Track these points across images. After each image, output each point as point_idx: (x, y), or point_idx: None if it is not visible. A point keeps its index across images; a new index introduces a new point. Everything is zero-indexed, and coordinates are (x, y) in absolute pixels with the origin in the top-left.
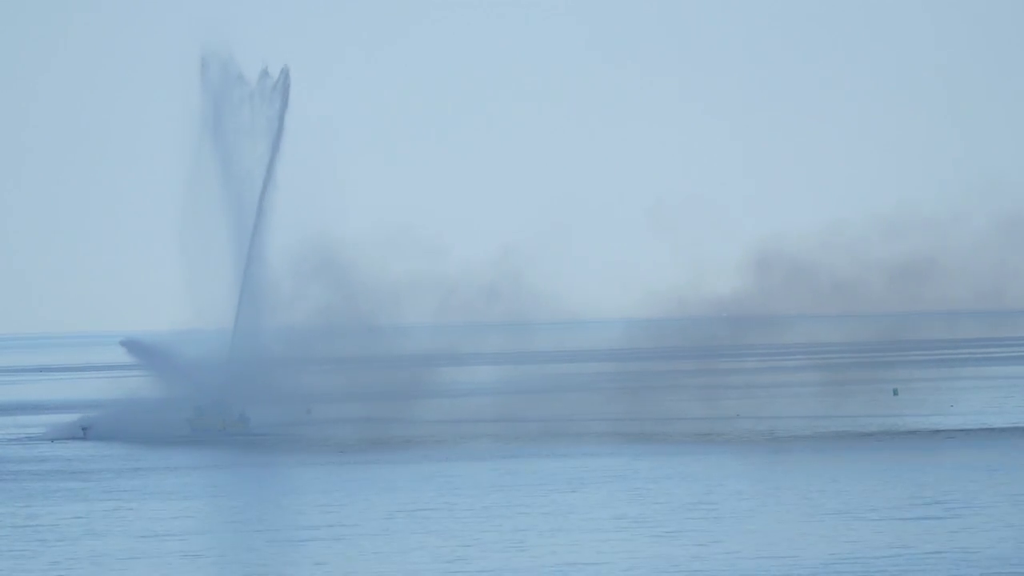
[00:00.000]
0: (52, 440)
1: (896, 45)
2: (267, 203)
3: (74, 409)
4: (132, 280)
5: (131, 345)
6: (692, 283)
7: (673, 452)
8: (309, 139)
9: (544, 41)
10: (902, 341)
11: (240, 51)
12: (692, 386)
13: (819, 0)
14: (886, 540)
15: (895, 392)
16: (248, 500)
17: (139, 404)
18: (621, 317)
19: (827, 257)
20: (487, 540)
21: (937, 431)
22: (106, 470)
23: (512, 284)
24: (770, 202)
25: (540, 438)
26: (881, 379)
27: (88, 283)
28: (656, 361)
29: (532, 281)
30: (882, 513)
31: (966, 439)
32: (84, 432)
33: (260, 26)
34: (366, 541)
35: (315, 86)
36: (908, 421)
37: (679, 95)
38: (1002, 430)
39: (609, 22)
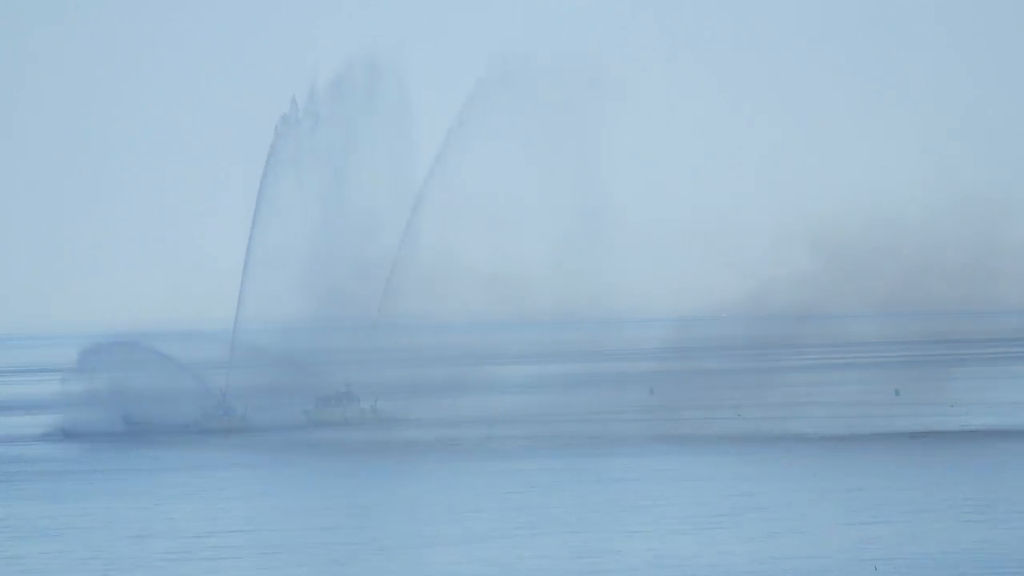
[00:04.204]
0: (57, 441)
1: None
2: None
3: (54, 409)
4: (124, 279)
5: (103, 348)
6: (746, 285)
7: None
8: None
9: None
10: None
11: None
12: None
13: None
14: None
15: (896, 392)
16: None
17: (133, 404)
18: (666, 316)
19: (884, 251)
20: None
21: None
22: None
23: (559, 281)
24: (823, 192)
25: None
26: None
27: (81, 282)
28: (697, 360)
29: (579, 278)
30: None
31: None
32: (65, 433)
33: None
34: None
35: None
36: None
37: (717, 88)
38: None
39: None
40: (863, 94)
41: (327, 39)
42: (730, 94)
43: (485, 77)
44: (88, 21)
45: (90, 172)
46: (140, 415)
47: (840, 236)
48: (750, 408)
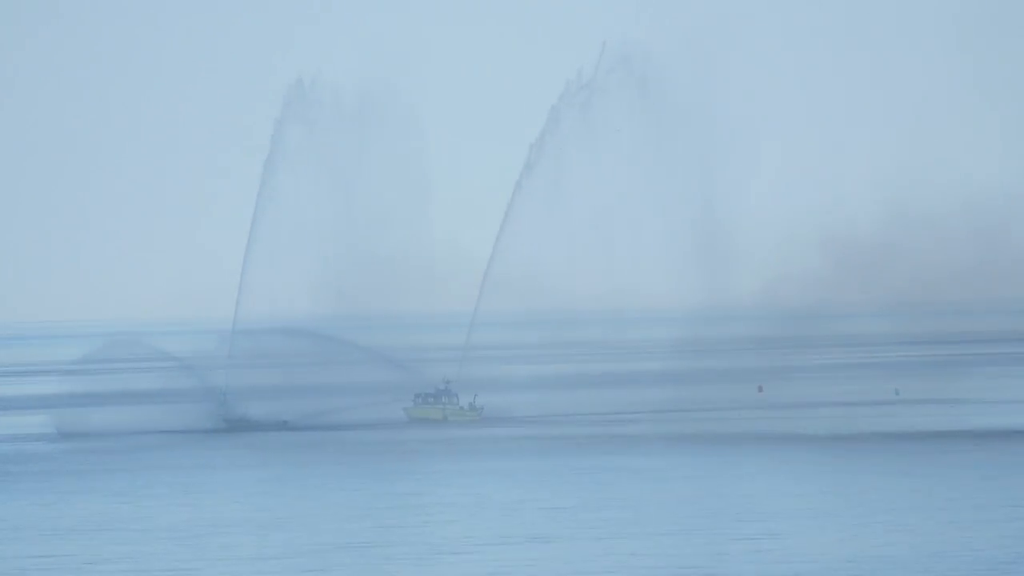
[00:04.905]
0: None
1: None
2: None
3: (43, 406)
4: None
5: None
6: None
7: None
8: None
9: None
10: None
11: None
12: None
13: None
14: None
15: (896, 392)
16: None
17: (130, 402)
18: (663, 316)
19: (892, 249)
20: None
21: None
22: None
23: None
24: (830, 190)
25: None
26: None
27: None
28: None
29: (581, 273)
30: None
31: None
32: (58, 431)
33: None
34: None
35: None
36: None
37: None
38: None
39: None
40: (865, 93)
41: (326, 36)
42: (733, 92)
43: (595, 68)
44: (89, 17)
45: (92, 171)
46: (239, 412)
47: (849, 234)
48: (750, 408)
